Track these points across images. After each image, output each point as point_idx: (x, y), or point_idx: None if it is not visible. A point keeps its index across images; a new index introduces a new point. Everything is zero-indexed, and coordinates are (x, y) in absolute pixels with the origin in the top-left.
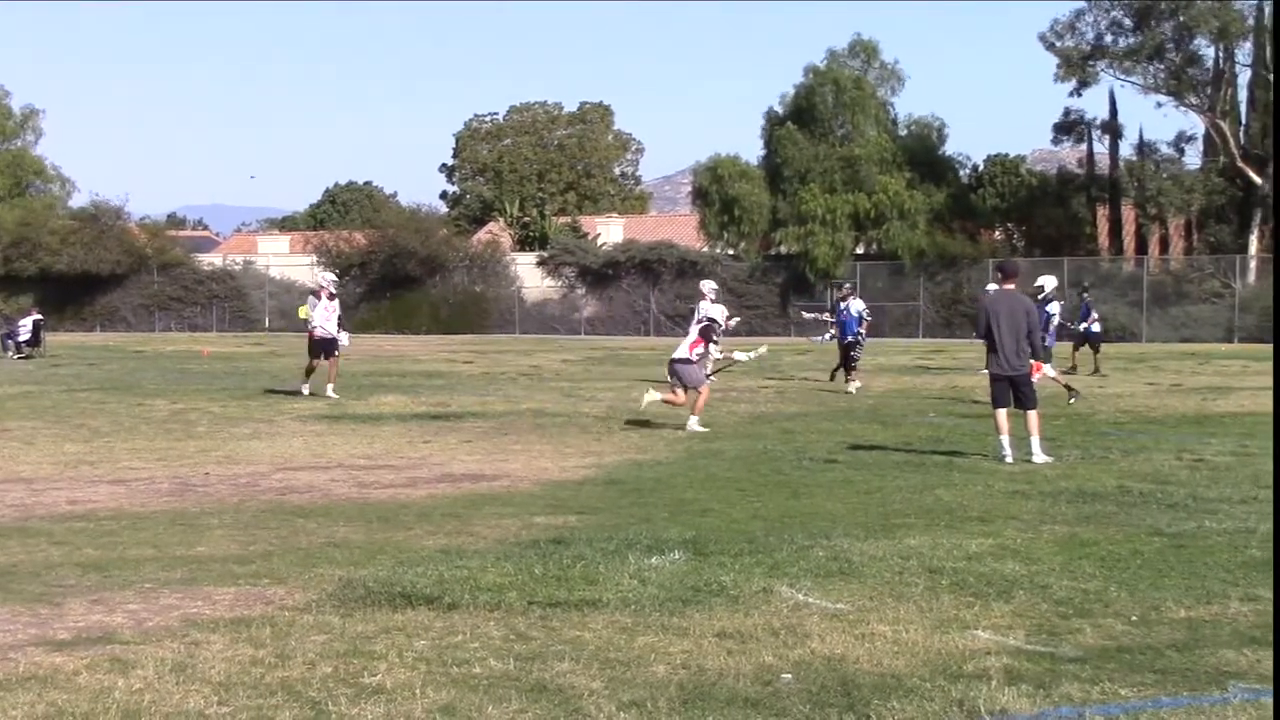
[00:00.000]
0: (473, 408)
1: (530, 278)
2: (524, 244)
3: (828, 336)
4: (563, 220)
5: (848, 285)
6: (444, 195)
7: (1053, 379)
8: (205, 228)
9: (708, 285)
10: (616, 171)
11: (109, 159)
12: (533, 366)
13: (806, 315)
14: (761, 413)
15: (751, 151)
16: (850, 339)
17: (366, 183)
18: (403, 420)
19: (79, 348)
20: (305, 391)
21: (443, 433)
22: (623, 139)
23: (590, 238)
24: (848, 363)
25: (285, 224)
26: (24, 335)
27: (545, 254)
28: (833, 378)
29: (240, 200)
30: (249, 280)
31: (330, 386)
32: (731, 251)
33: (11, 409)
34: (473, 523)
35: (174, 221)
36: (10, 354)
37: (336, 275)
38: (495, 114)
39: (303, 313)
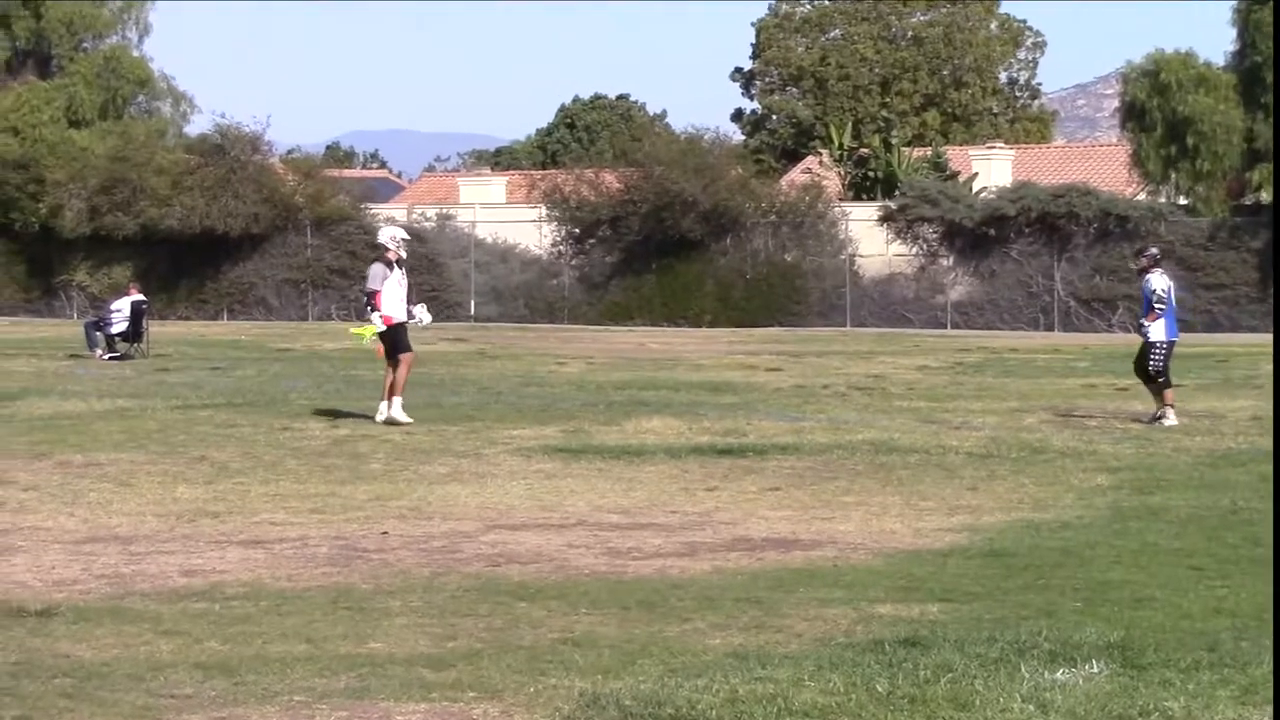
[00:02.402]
0: (781, 438)
1: (869, 241)
2: (860, 190)
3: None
4: (919, 154)
5: (1152, 250)
6: (738, 116)
7: None
8: (381, 164)
9: None
10: (1003, 79)
11: (242, 67)
12: (873, 376)
13: None
14: (1228, 449)
15: (1215, 46)
16: (1145, 335)
17: (621, 96)
18: (675, 456)
19: (197, 343)
20: (400, 415)
21: (735, 475)
22: (1013, 29)
23: (962, 180)
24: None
25: (500, 159)
26: (118, 325)
27: (892, 204)
28: None
29: (432, 124)
30: (447, 244)
31: (397, 404)
32: (1183, 200)
33: (101, 433)
34: (781, 612)
35: (336, 155)
36: (99, 352)
37: (405, 233)
38: None
39: (368, 333)
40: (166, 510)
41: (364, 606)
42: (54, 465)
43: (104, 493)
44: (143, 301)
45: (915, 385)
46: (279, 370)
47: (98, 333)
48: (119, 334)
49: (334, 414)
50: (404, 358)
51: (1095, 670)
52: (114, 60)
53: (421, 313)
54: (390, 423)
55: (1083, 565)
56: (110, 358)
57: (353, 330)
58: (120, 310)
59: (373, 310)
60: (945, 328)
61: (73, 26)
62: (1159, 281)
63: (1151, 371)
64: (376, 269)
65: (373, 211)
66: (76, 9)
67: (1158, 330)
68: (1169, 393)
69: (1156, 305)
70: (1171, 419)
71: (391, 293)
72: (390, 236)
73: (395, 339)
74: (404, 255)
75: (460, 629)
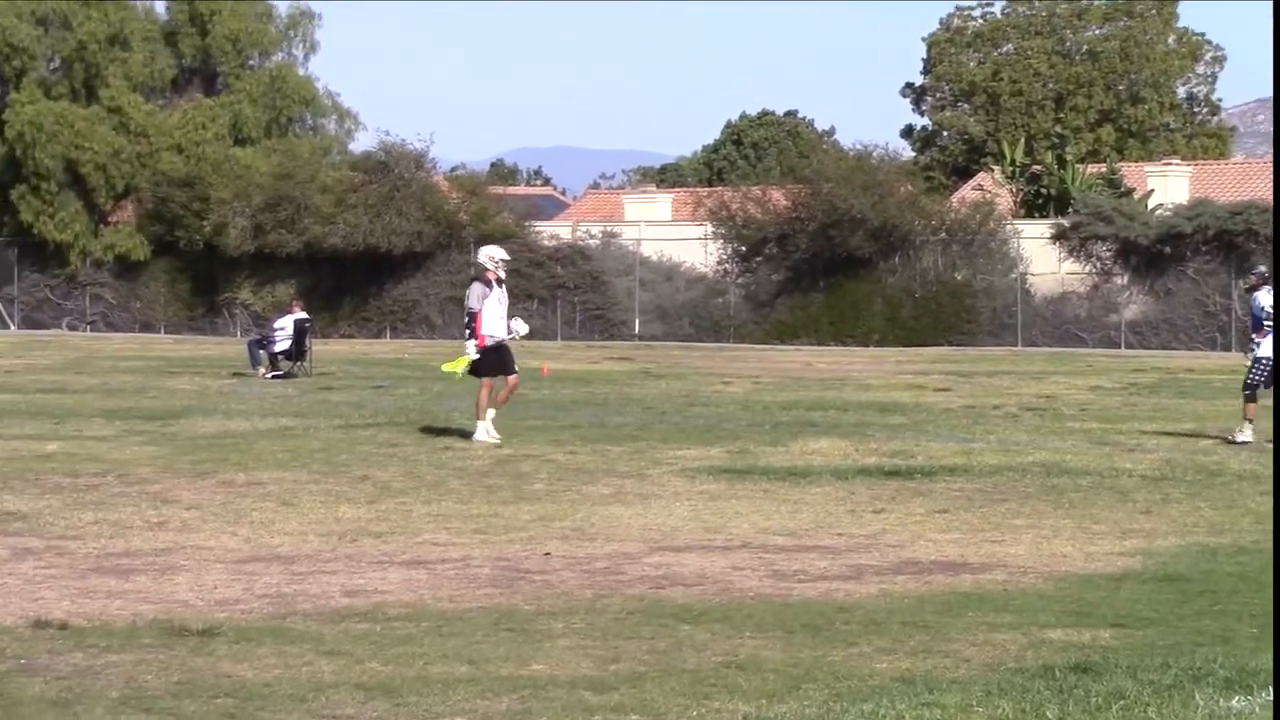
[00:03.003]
0: (949, 460)
1: (1042, 259)
2: (1032, 207)
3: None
4: (1093, 170)
5: (1260, 268)
6: (908, 132)
7: None
8: (546, 181)
9: None
10: (1181, 93)
11: (407, 84)
12: (1044, 397)
13: None
14: None
15: None
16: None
17: (789, 113)
18: (842, 478)
19: (360, 361)
20: (493, 436)
21: (903, 497)
22: (1192, 43)
23: (1137, 197)
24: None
25: (665, 176)
26: (281, 343)
27: (1065, 222)
28: None
29: (597, 141)
30: (611, 262)
31: (481, 427)
32: None
33: (264, 452)
34: (949, 637)
35: (500, 172)
36: (262, 370)
37: (505, 253)
38: (989, 6)
39: (461, 366)
40: (329, 530)
41: (526, 628)
42: (217, 484)
43: (266, 512)
44: (306, 319)
45: (1088, 406)
46: (442, 389)
47: (261, 351)
48: (282, 352)
49: (439, 431)
50: (486, 382)
51: (1272, 698)
52: (279, 79)
53: (518, 325)
54: (472, 440)
55: (1260, 591)
56: (273, 376)
57: (444, 368)
58: (283, 328)
59: (471, 335)
60: (1119, 347)
61: (239, 44)
62: (1267, 298)
63: (1247, 382)
64: (476, 289)
65: (537, 229)
66: (243, 27)
67: (1266, 347)
68: (1251, 407)
69: (1266, 322)
70: (1247, 435)
71: (492, 311)
72: (489, 256)
73: (488, 360)
74: (503, 275)
75: (623, 651)
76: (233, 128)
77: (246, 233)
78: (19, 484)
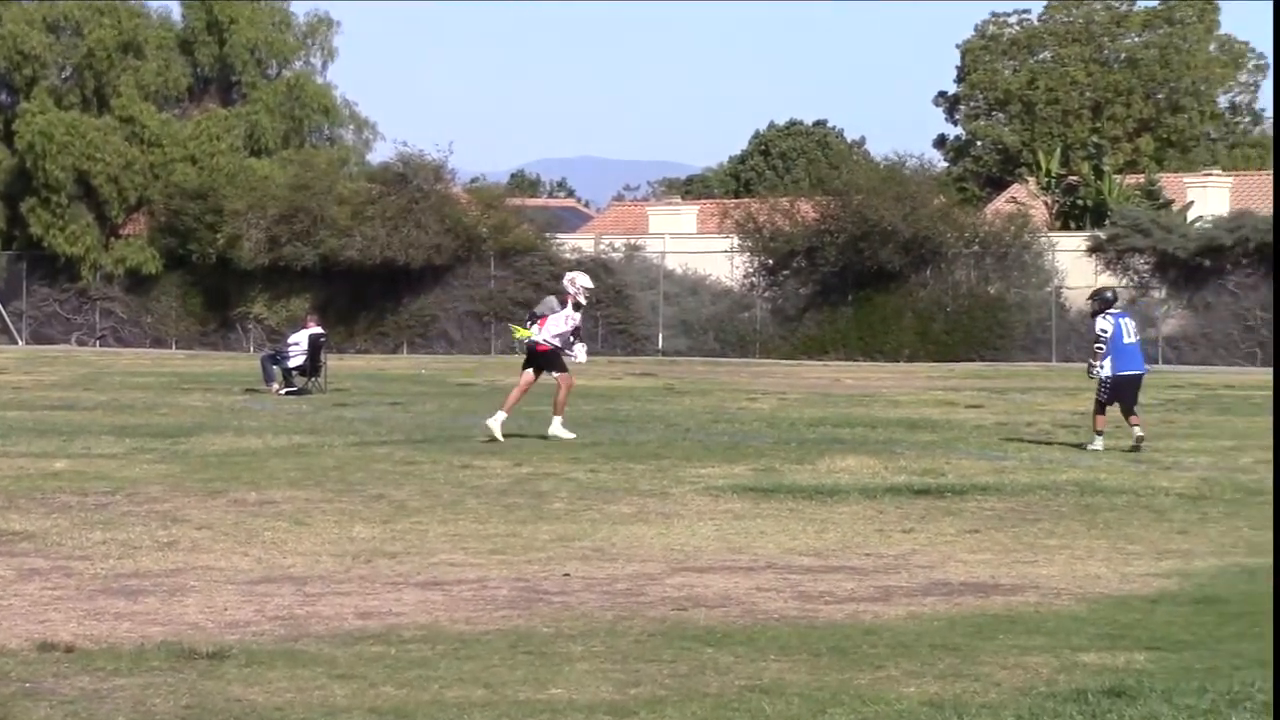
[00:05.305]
0: (981, 478)
1: (1078, 272)
2: (1068, 219)
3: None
4: (1131, 181)
5: (1106, 292)
6: (941, 142)
7: None
8: (569, 193)
9: None
10: (1222, 102)
11: (427, 93)
12: (1079, 414)
13: None
14: None
15: None
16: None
17: (818, 122)
18: (870, 496)
19: (376, 377)
20: (567, 433)
21: (933, 516)
22: (1234, 51)
23: (1176, 209)
24: None
25: (691, 188)
26: (296, 358)
27: (1102, 234)
28: None
29: (620, 152)
30: (635, 276)
31: (501, 418)
32: None
33: (276, 470)
34: (980, 660)
35: (520, 182)
36: (276, 386)
37: (590, 282)
38: (1026, 12)
39: (522, 333)
40: (343, 550)
41: (544, 651)
42: (228, 503)
43: (279, 532)
44: (321, 334)
45: (1124, 423)
46: (460, 406)
47: (274, 366)
48: (296, 368)
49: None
50: (563, 379)
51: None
52: (297, 88)
53: (579, 352)
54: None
55: None
56: (287, 392)
57: (512, 326)
58: (298, 343)
59: (531, 321)
60: (1156, 363)
61: (257, 52)
62: (1104, 323)
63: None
64: (551, 300)
65: (558, 242)
66: (261, 35)
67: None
68: (1100, 419)
69: (1096, 345)
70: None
71: (555, 324)
72: (571, 281)
73: (558, 359)
74: (583, 301)
75: (644, 675)
76: (249, 138)
77: (261, 245)
78: (26, 503)
